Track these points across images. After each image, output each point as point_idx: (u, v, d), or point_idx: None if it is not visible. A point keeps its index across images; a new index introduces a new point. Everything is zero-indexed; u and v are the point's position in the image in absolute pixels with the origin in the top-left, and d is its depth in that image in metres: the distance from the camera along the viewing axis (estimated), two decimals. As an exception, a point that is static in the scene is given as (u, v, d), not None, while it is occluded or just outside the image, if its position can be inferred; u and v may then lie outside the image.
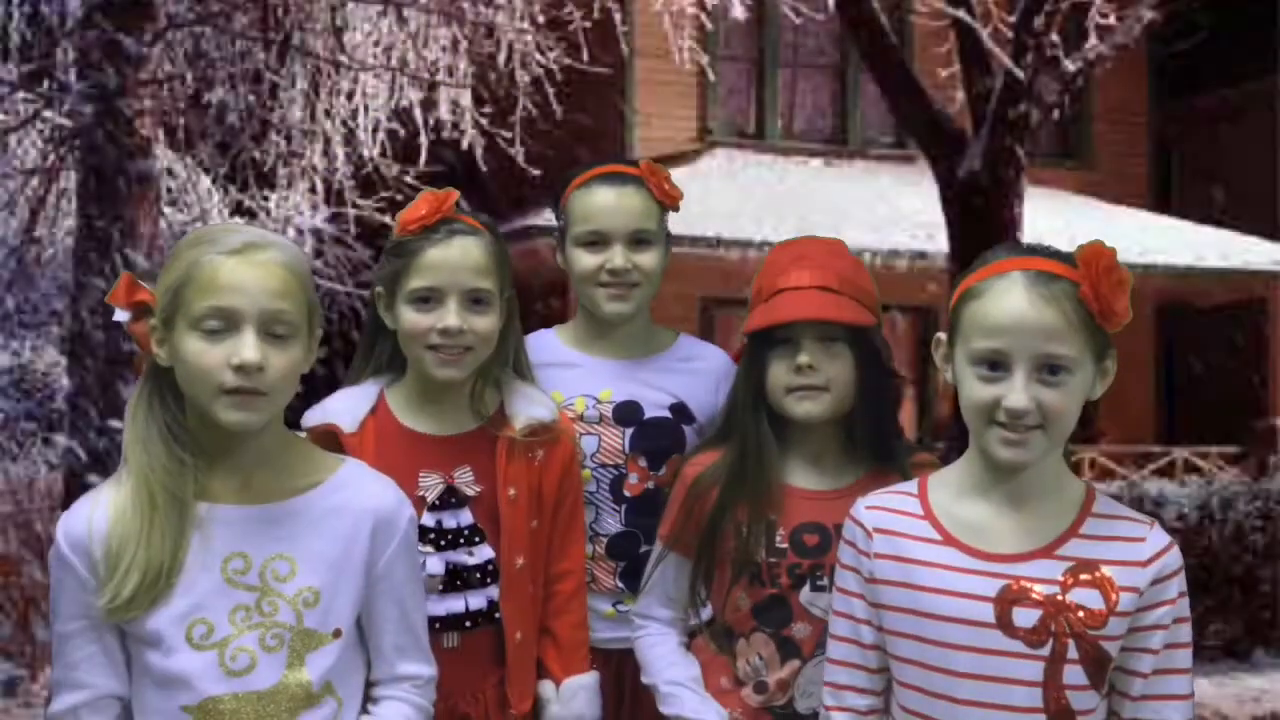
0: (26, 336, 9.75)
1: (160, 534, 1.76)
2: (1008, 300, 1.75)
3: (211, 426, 1.81)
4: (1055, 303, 1.73)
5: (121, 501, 1.79)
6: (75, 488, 6.09)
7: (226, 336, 1.76)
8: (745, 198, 11.57)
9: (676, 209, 2.50)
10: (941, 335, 1.87)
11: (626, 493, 2.41)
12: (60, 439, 6.50)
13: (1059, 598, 1.76)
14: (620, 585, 2.41)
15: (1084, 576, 1.76)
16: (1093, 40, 7.74)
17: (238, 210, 9.61)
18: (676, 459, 2.42)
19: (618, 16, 9.13)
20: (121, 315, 1.84)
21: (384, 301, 2.21)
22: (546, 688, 2.25)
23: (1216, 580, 7.92)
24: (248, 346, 1.75)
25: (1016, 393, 1.73)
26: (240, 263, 1.78)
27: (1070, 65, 7.50)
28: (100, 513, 1.79)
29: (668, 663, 2.22)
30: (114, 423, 5.91)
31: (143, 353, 1.86)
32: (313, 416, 2.18)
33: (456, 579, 2.16)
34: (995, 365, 1.75)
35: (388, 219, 8.90)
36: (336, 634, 1.84)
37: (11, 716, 6.52)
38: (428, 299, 2.14)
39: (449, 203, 2.18)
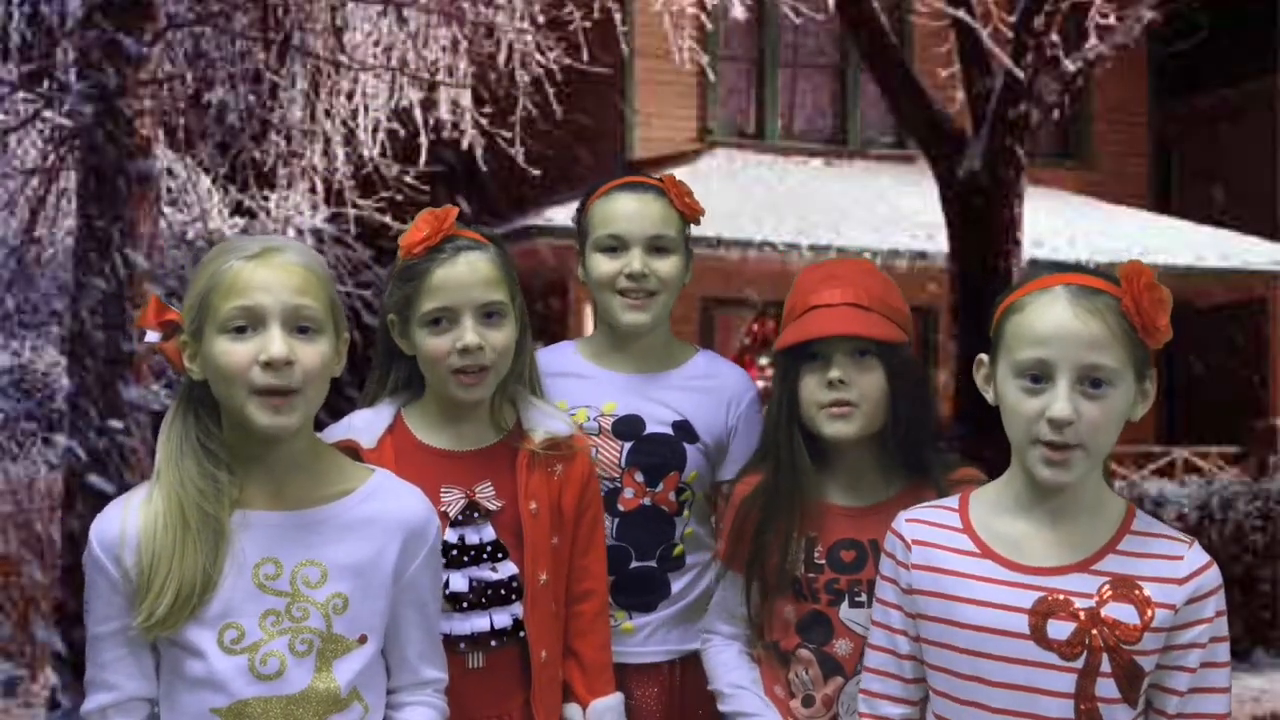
0: (26, 336, 9.74)
1: (194, 552, 1.79)
2: (1051, 312, 1.78)
3: (246, 434, 1.84)
4: (1098, 315, 1.76)
5: (154, 518, 1.81)
6: (75, 488, 6.08)
7: (253, 335, 1.79)
8: (745, 198, 11.57)
9: (697, 222, 2.51)
10: (983, 356, 1.90)
11: (620, 507, 2.41)
12: (60, 439, 6.50)
13: (1094, 611, 1.77)
14: (610, 601, 2.39)
15: (1120, 591, 1.78)
16: (1093, 40, 7.74)
17: (238, 210, 9.60)
18: (675, 477, 2.43)
19: (618, 16, 9.13)
20: (152, 336, 1.87)
21: (398, 329, 2.20)
22: (573, 710, 2.24)
23: (1216, 580, 7.91)
24: (275, 342, 1.78)
25: (1060, 402, 1.75)
26: (261, 265, 1.81)
27: (1070, 65, 7.50)
28: (133, 519, 1.82)
29: (729, 667, 2.27)
30: (114, 423, 5.91)
31: (175, 370, 1.89)
32: (332, 434, 2.17)
33: (481, 596, 2.15)
34: (1039, 377, 1.78)
35: (388, 219, 8.91)
36: (362, 640, 1.86)
37: (11, 716, 6.52)
38: (441, 320, 2.14)
39: (449, 220, 2.17)
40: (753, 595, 2.23)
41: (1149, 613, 1.77)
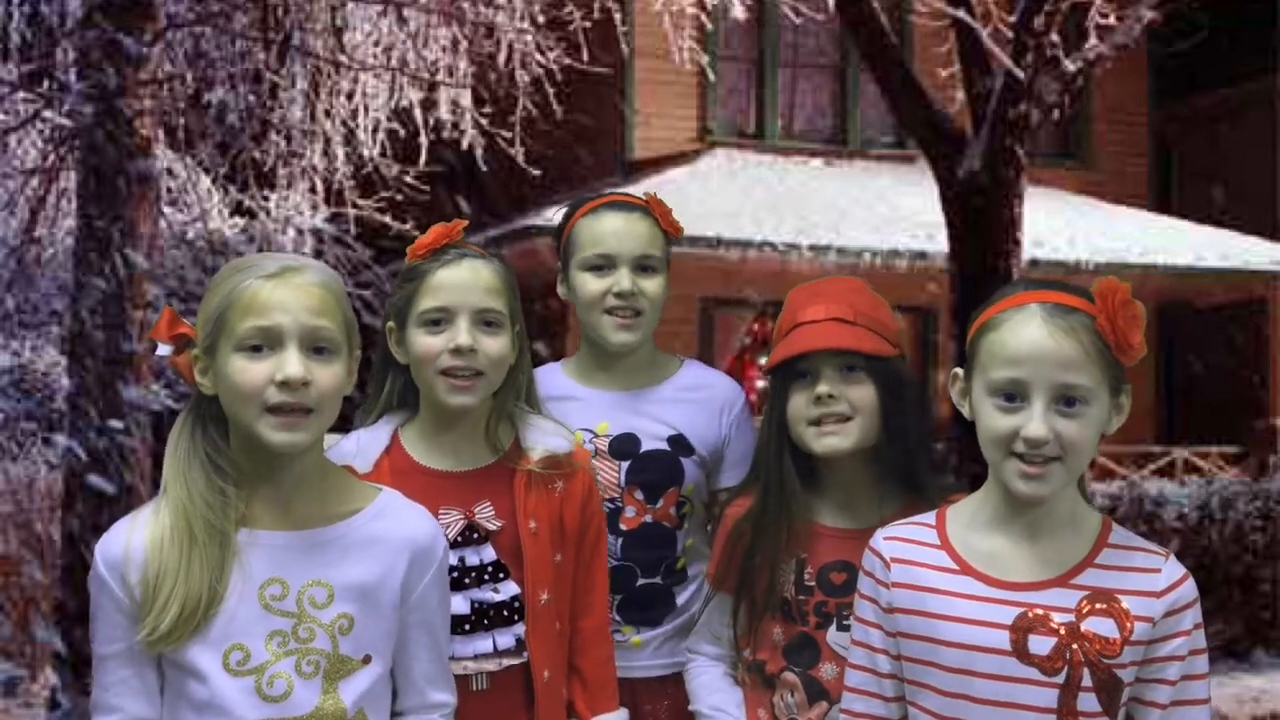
0: (26, 336, 9.75)
1: (200, 567, 1.78)
2: (1026, 331, 1.77)
3: (254, 452, 1.84)
4: (1072, 334, 1.76)
5: (160, 532, 1.80)
6: (75, 488, 6.08)
7: (269, 355, 1.79)
8: (745, 198, 11.57)
9: (678, 241, 2.52)
10: (959, 370, 1.89)
11: (623, 526, 2.41)
12: (60, 439, 6.49)
13: (1074, 626, 1.77)
14: (617, 618, 2.40)
15: (1099, 605, 1.78)
16: (1093, 40, 7.72)
17: (238, 210, 9.60)
18: (674, 492, 2.43)
19: (618, 16, 9.13)
20: (164, 349, 1.87)
21: (395, 335, 2.21)
22: None
23: (1216, 580, 7.91)
24: (291, 362, 1.78)
25: (1035, 422, 1.75)
26: (279, 284, 1.81)
27: (1070, 65, 7.49)
28: (138, 537, 1.81)
29: (711, 689, 2.26)
30: (114, 423, 5.91)
31: (186, 383, 1.89)
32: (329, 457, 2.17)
33: (483, 618, 2.14)
34: (1013, 396, 1.77)
35: (388, 219, 8.91)
36: (366, 660, 1.86)
37: (11, 716, 6.53)
38: (439, 321, 2.14)
39: (457, 230, 2.20)
40: (740, 617, 2.22)
41: (1128, 626, 1.77)
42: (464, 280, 2.15)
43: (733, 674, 2.28)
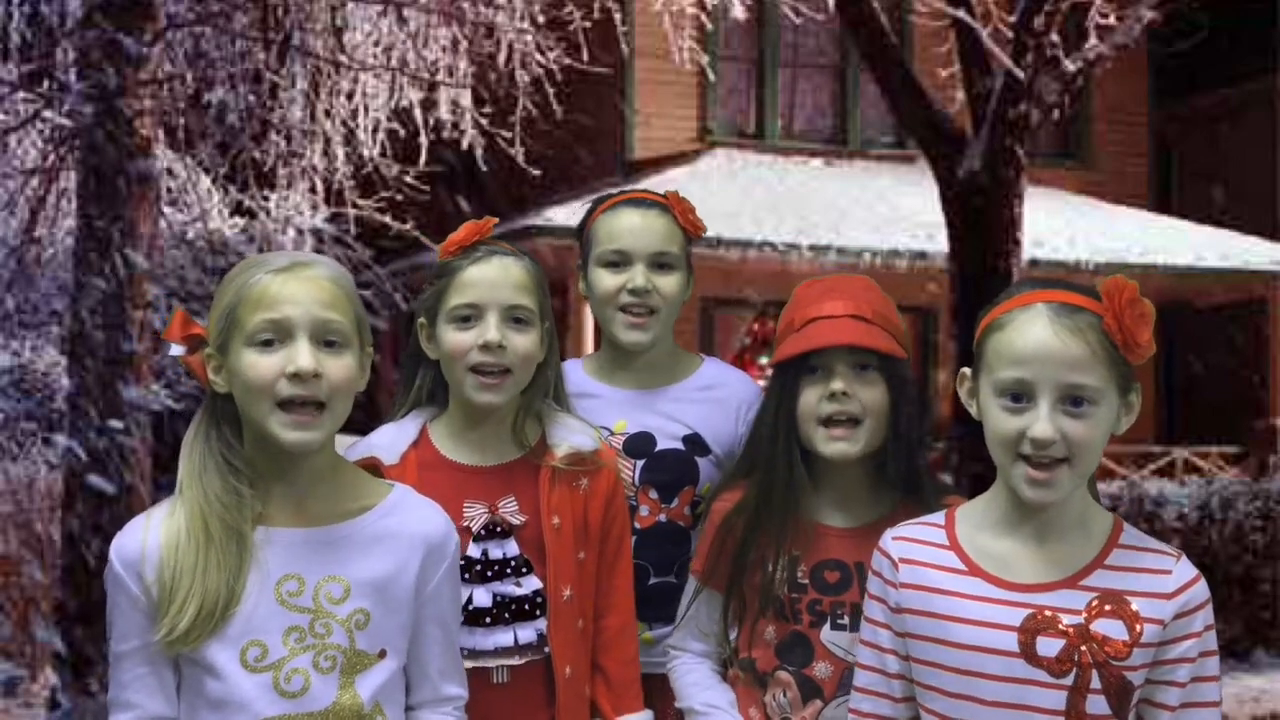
0: (26, 336, 9.74)
1: (217, 566, 1.79)
2: (1032, 331, 1.76)
3: (268, 450, 1.84)
4: (1079, 334, 1.74)
5: (176, 532, 1.80)
6: (75, 488, 6.08)
7: (281, 348, 1.80)
8: (745, 198, 11.57)
9: (699, 238, 2.51)
10: (966, 370, 1.88)
11: (636, 525, 2.39)
12: (60, 439, 6.48)
13: (1083, 627, 1.76)
14: None
15: (1108, 607, 1.77)
16: (1093, 40, 7.72)
17: (238, 210, 9.60)
18: (689, 491, 2.42)
19: (618, 16, 9.13)
20: (177, 350, 1.88)
21: (426, 331, 2.22)
22: None
23: (1216, 580, 7.90)
24: (302, 354, 1.79)
25: (1041, 422, 1.73)
26: (289, 279, 1.82)
27: (1070, 65, 7.49)
28: (154, 536, 1.81)
29: (702, 686, 2.23)
30: (114, 423, 5.91)
31: (200, 383, 1.89)
32: (354, 451, 2.17)
33: (504, 611, 2.14)
34: (1019, 396, 1.76)
35: (388, 219, 8.91)
36: (382, 654, 1.86)
37: (11, 716, 6.52)
38: (469, 317, 2.16)
39: (488, 226, 2.22)
40: (730, 614, 2.20)
41: (1138, 628, 1.76)
42: (494, 277, 2.17)
43: (720, 671, 2.25)
